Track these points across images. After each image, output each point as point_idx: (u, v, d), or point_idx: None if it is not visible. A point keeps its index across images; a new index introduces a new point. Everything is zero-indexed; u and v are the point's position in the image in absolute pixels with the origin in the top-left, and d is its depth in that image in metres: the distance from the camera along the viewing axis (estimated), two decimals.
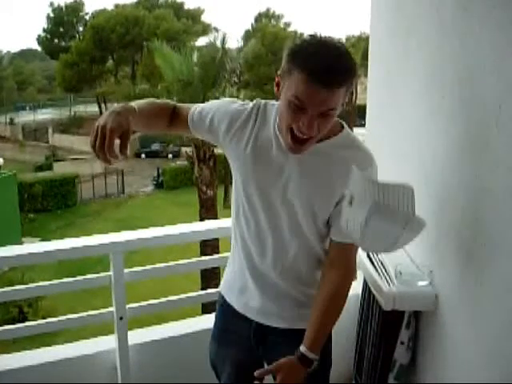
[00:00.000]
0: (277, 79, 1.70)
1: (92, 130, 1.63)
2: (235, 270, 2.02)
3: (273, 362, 1.82)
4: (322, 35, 1.64)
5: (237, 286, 2.01)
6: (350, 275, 1.87)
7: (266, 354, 2.00)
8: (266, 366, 1.94)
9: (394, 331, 2.40)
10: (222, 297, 2.10)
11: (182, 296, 2.91)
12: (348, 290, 1.86)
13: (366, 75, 3.30)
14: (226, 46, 15.49)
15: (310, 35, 1.65)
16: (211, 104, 1.94)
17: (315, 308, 1.82)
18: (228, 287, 2.07)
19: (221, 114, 1.87)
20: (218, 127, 1.86)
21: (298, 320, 1.93)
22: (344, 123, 1.82)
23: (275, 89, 1.72)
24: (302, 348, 1.77)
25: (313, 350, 1.76)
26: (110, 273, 2.59)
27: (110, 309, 2.64)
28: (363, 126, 3.32)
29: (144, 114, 1.79)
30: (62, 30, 47.92)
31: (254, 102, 1.88)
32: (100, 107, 45.20)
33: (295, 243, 1.86)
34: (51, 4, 47.48)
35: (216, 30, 37.75)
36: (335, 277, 1.82)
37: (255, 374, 1.75)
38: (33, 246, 2.77)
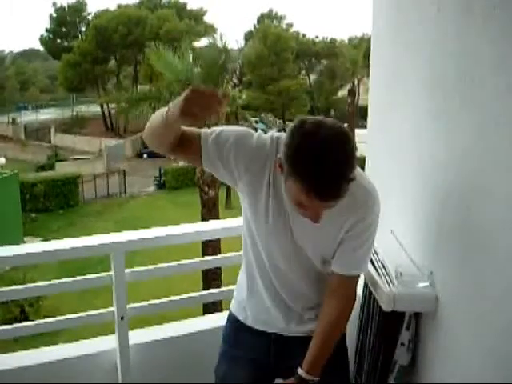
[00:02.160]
0: (278, 162, 1.66)
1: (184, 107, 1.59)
2: (250, 290, 2.05)
3: (291, 370, 1.90)
4: (322, 131, 1.55)
5: (255, 307, 2.05)
6: (350, 305, 1.94)
7: (288, 363, 2.01)
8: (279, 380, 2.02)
9: (394, 332, 2.39)
10: (234, 315, 2.13)
11: (183, 296, 2.91)
12: (347, 319, 1.94)
13: (368, 76, 3.30)
14: (228, 46, 15.49)
15: (304, 130, 1.57)
16: (226, 132, 1.84)
17: (316, 335, 1.89)
18: (240, 306, 2.10)
19: (240, 148, 1.80)
20: (236, 161, 1.81)
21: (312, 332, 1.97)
22: None
23: (278, 169, 1.67)
24: (300, 371, 1.85)
25: (310, 372, 1.84)
26: (111, 273, 2.59)
27: (111, 308, 2.64)
28: (365, 127, 3.32)
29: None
30: (64, 30, 47.92)
31: (269, 138, 1.83)
32: (102, 108, 45.22)
33: (306, 273, 1.94)
34: (54, 4, 47.45)
35: (215, 30, 37.76)
36: (335, 306, 1.88)
37: None
38: (34, 246, 2.77)
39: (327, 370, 1.88)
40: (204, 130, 1.85)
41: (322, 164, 1.51)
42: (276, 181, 1.80)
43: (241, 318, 2.09)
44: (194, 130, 1.86)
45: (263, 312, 2.03)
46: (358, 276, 1.93)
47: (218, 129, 1.85)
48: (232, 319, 2.15)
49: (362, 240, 1.84)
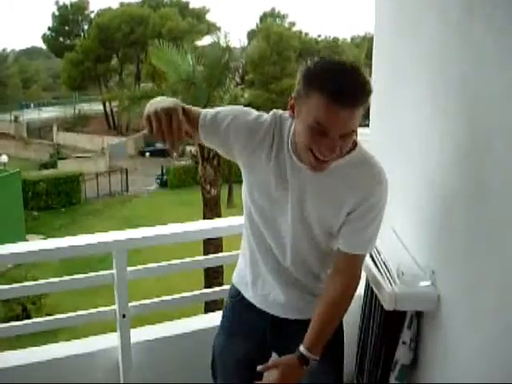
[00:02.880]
0: (291, 102, 1.70)
1: (145, 123, 1.65)
2: (251, 264, 2.04)
3: (288, 352, 1.89)
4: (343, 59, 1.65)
5: (254, 281, 2.05)
6: (355, 284, 1.90)
7: (280, 344, 2.04)
8: (275, 356, 2.03)
9: (395, 331, 2.40)
10: (236, 289, 2.13)
11: (185, 294, 2.91)
12: (351, 298, 1.90)
13: (370, 75, 3.30)
14: (231, 45, 15.49)
15: (321, 57, 1.66)
16: (226, 110, 1.87)
17: (317, 311, 1.86)
18: (243, 281, 2.10)
19: (238, 125, 1.82)
20: (234, 137, 1.82)
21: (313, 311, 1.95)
22: (358, 140, 1.82)
23: (289, 111, 1.72)
24: (302, 348, 1.81)
25: (311, 350, 1.80)
26: (113, 271, 2.60)
27: (113, 307, 2.65)
28: (367, 125, 3.32)
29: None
30: (67, 28, 47.96)
31: (272, 114, 1.86)
32: (105, 106, 45.25)
33: (309, 245, 1.91)
34: (56, 2, 47.51)
35: (218, 29, 37.75)
36: (339, 284, 1.86)
37: (258, 369, 1.79)
38: (36, 244, 2.78)
39: (321, 359, 1.85)
40: (204, 110, 1.88)
41: (340, 71, 1.58)
42: (279, 154, 1.81)
43: (242, 292, 2.09)
44: (195, 110, 1.88)
45: (264, 287, 2.02)
46: (364, 255, 1.91)
47: (217, 108, 1.89)
48: (233, 293, 2.14)
49: (367, 220, 1.82)
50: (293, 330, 2.00)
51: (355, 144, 1.80)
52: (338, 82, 1.55)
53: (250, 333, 2.08)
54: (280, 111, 1.86)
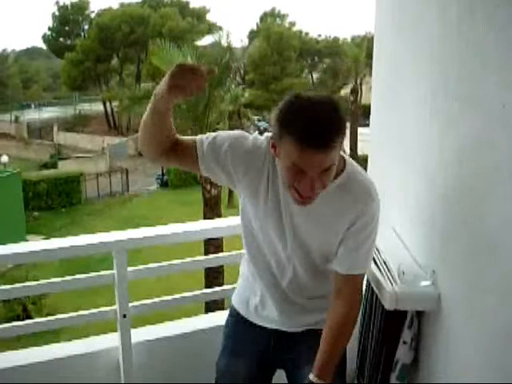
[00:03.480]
0: (271, 142, 1.70)
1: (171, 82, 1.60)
2: (251, 286, 2.07)
3: (296, 363, 1.98)
4: (308, 94, 1.63)
5: (254, 302, 2.07)
6: (356, 305, 1.92)
7: (287, 357, 2.05)
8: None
9: (396, 331, 2.39)
10: (235, 309, 2.15)
11: (186, 294, 2.91)
12: (355, 320, 1.92)
13: (370, 75, 3.29)
14: (232, 45, 15.50)
15: (295, 95, 1.63)
16: (222, 136, 1.84)
17: (324, 338, 1.87)
18: (243, 301, 2.12)
19: (236, 151, 1.82)
20: (234, 164, 1.82)
21: (319, 323, 1.98)
22: (346, 157, 1.83)
23: (272, 150, 1.71)
24: (312, 377, 1.82)
25: (321, 376, 1.81)
26: (114, 271, 2.60)
27: (113, 307, 2.65)
28: (368, 125, 3.32)
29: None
30: (67, 28, 47.94)
31: (265, 138, 1.84)
32: (105, 106, 45.25)
33: (307, 269, 1.94)
34: (57, 3, 47.48)
35: (220, 28, 37.74)
36: (342, 307, 1.87)
37: None
38: (37, 244, 2.77)
39: None
40: (199, 136, 1.86)
41: (310, 112, 1.55)
42: (275, 180, 1.82)
43: (242, 313, 2.11)
44: (189, 138, 1.86)
45: (265, 309, 2.04)
46: (363, 275, 1.93)
47: (212, 134, 1.86)
48: (233, 313, 2.16)
49: (362, 237, 1.83)
50: (297, 341, 2.02)
51: (344, 165, 1.81)
52: (309, 126, 1.54)
53: (254, 351, 2.09)
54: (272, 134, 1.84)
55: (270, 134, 1.81)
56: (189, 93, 1.63)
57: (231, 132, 1.88)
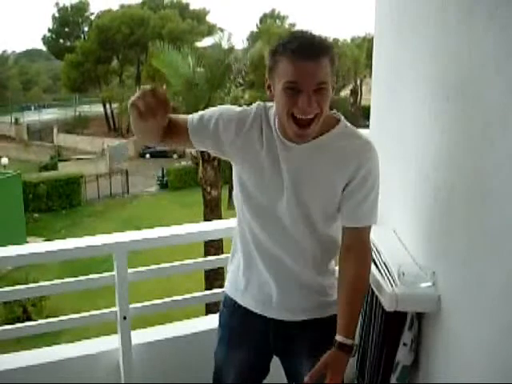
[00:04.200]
0: (267, 83, 1.79)
1: (130, 111, 1.73)
2: (245, 266, 2.04)
3: (292, 353, 1.98)
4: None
5: (249, 284, 2.04)
6: (368, 257, 1.94)
7: (284, 346, 2.04)
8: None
9: (396, 332, 2.39)
10: (230, 298, 2.12)
11: (186, 296, 2.91)
12: (369, 272, 1.94)
13: (370, 76, 3.30)
14: (231, 46, 15.49)
15: (290, 33, 1.79)
16: (211, 110, 1.94)
17: (341, 296, 1.88)
18: (237, 288, 2.09)
19: (225, 118, 1.89)
20: (224, 131, 1.88)
21: (317, 309, 2.00)
22: (341, 115, 1.91)
23: (267, 92, 1.80)
24: (339, 337, 1.82)
25: (348, 336, 1.82)
26: (114, 273, 2.60)
27: (114, 309, 2.65)
28: (367, 126, 3.32)
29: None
30: (67, 30, 48.03)
31: (256, 104, 1.93)
32: (105, 107, 45.27)
33: (307, 231, 1.92)
34: (57, 4, 47.62)
35: (221, 30, 37.71)
36: (354, 261, 1.89)
37: (306, 380, 1.76)
38: (37, 246, 2.78)
39: (316, 353, 1.85)
40: (190, 116, 1.94)
41: (299, 34, 1.73)
42: (269, 141, 1.87)
43: (238, 300, 2.08)
44: (181, 117, 1.94)
45: (263, 289, 2.01)
46: (369, 228, 1.94)
47: (201, 112, 1.95)
48: (228, 303, 2.13)
49: (365, 190, 1.87)
50: (295, 331, 2.01)
51: (338, 119, 1.89)
52: (298, 41, 1.69)
53: (252, 340, 2.08)
54: (264, 103, 1.93)
55: (259, 102, 1.93)
56: (158, 118, 1.69)
57: (218, 106, 1.97)
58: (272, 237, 1.94)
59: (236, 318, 2.11)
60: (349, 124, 1.91)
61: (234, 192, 2.00)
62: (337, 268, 1.97)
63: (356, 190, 1.86)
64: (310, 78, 1.67)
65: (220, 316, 2.19)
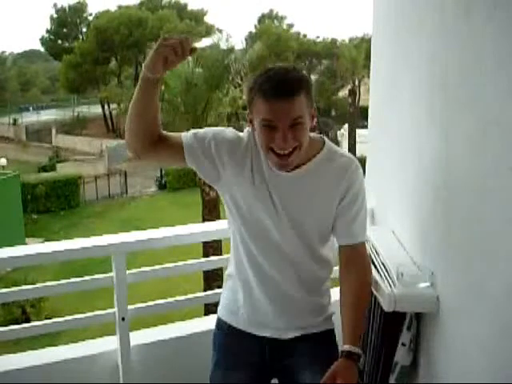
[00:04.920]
0: (248, 118, 1.85)
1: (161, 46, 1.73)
2: (242, 289, 2.06)
3: (292, 367, 1.99)
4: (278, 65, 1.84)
5: (247, 308, 2.06)
6: (368, 267, 2.00)
7: (282, 363, 2.04)
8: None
9: (395, 333, 2.39)
10: (225, 322, 2.13)
11: (185, 297, 2.91)
12: (370, 281, 2.01)
13: (369, 76, 3.30)
14: (230, 46, 15.50)
15: (263, 69, 1.83)
16: (203, 130, 1.97)
17: (345, 306, 1.92)
18: (232, 310, 2.11)
19: (220, 139, 1.92)
20: (218, 152, 1.91)
21: (312, 325, 2.03)
22: (325, 138, 1.97)
23: (249, 125, 1.87)
24: (346, 347, 1.83)
25: (355, 344, 1.84)
26: (113, 274, 2.60)
27: (112, 310, 2.65)
28: (366, 127, 3.32)
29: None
30: (65, 30, 47.92)
31: (246, 131, 1.96)
32: (103, 108, 45.22)
33: (304, 253, 1.97)
34: (55, 5, 47.49)
35: (219, 31, 37.69)
36: (354, 274, 1.94)
37: None
38: (36, 247, 2.78)
39: (317, 365, 1.88)
40: (184, 133, 1.96)
41: (273, 73, 1.77)
42: (259, 167, 1.91)
43: (232, 323, 2.09)
44: (174, 133, 1.96)
45: (258, 310, 2.03)
46: (364, 243, 1.99)
47: (196, 130, 1.98)
48: (222, 326, 2.14)
49: (357, 207, 1.93)
50: (291, 347, 2.02)
51: (323, 143, 1.94)
52: (271, 80, 1.74)
53: (248, 362, 2.07)
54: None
55: (249, 128, 1.94)
56: (174, 63, 1.76)
57: (211, 127, 2.02)
58: (270, 260, 1.97)
59: (231, 339, 2.12)
60: (332, 145, 1.98)
61: (229, 218, 2.04)
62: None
63: (348, 208, 1.92)
64: (284, 116, 1.73)
65: (214, 339, 2.18)
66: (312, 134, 1.92)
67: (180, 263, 2.84)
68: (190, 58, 14.36)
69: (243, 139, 1.94)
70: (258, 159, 1.91)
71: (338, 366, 1.80)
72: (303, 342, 2.01)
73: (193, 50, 1.75)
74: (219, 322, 2.16)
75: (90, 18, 47.63)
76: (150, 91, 1.84)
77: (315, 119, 1.84)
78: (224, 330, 2.13)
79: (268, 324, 2.02)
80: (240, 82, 15.51)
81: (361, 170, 1.95)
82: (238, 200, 1.95)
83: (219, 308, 2.18)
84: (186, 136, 1.93)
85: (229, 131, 1.96)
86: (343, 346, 1.84)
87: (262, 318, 2.02)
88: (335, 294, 2.06)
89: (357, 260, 1.95)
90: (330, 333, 2.07)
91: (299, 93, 1.73)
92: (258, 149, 1.90)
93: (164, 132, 1.93)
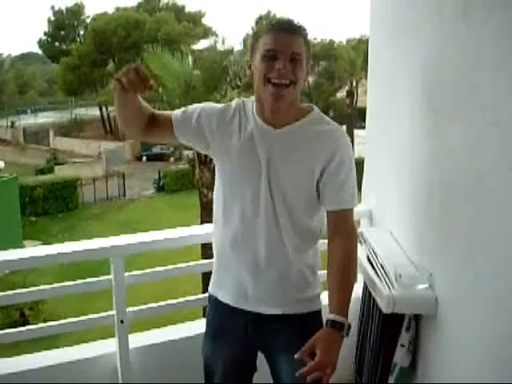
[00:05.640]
0: (248, 71, 1.99)
1: (115, 84, 1.86)
2: (225, 266, 2.11)
3: (274, 348, 2.02)
4: None
5: (229, 281, 2.09)
6: (354, 238, 2.00)
7: (266, 341, 2.07)
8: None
9: (394, 334, 2.40)
10: (215, 298, 2.16)
11: (183, 299, 2.91)
12: (356, 252, 1.99)
13: (366, 77, 3.30)
14: (229, 48, 15.52)
15: None
16: (193, 106, 2.08)
17: (331, 277, 1.92)
18: (219, 285, 2.15)
19: (207, 112, 2.03)
20: (205, 124, 2.01)
21: (295, 303, 2.03)
22: (314, 106, 2.03)
23: (247, 72, 2.00)
24: (330, 316, 1.83)
25: (339, 313, 1.83)
26: (111, 276, 2.60)
27: (111, 312, 2.65)
28: (364, 128, 3.32)
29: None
30: (62, 33, 47.84)
31: (235, 100, 2.08)
32: (101, 110, 45.20)
33: (285, 219, 1.97)
34: (52, 7, 47.42)
35: (216, 35, 37.68)
36: (341, 244, 1.94)
37: (296, 357, 1.76)
38: (34, 250, 2.77)
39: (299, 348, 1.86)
40: (174, 111, 2.09)
41: (279, 18, 1.99)
42: (247, 128, 1.98)
43: (219, 297, 2.13)
44: (165, 112, 2.10)
45: (238, 282, 2.05)
46: (351, 210, 2.00)
47: (186, 107, 2.10)
48: (211, 300, 2.19)
49: (343, 173, 1.95)
50: (275, 326, 2.03)
51: (312, 109, 2.02)
52: (277, 21, 1.95)
53: (233, 335, 2.10)
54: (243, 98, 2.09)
55: (239, 99, 2.08)
56: (139, 91, 1.88)
57: (199, 104, 2.11)
58: (250, 226, 1.98)
59: (218, 313, 2.16)
60: (321, 112, 2.04)
61: (215, 191, 2.14)
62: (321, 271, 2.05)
63: (335, 173, 1.94)
64: (286, 47, 1.85)
65: (206, 313, 2.24)
66: (303, 104, 2.03)
67: (179, 265, 2.84)
68: (190, 59, 14.40)
69: (231, 105, 2.05)
70: (245, 119, 2.00)
71: (319, 335, 1.80)
72: (285, 323, 2.01)
73: (145, 76, 1.83)
74: (209, 297, 2.21)
75: (88, 20, 47.60)
76: (125, 99, 1.95)
77: (308, 77, 1.96)
78: (212, 304, 2.18)
79: (248, 298, 2.03)
80: (238, 83, 15.51)
81: (347, 139, 1.99)
82: (226, 163, 2.02)
83: (210, 284, 2.22)
84: (176, 115, 2.05)
85: (215, 104, 2.08)
86: (328, 316, 1.83)
87: (244, 291, 2.04)
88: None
89: (343, 227, 1.96)
90: (317, 315, 2.05)
91: (301, 34, 1.90)
92: (246, 111, 2.01)
93: (156, 112, 2.07)
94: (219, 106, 2.07)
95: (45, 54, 50.66)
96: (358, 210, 3.08)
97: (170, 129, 2.04)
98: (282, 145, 1.94)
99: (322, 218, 2.03)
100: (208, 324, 2.20)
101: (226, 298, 2.10)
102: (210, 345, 2.17)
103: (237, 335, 2.09)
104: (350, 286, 1.92)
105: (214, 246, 2.19)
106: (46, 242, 18.67)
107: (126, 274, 2.62)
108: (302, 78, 1.90)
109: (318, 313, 2.07)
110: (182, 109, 2.08)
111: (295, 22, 1.94)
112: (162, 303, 2.85)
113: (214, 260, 2.20)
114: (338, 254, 1.93)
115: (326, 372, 1.72)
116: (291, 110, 1.94)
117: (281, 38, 1.87)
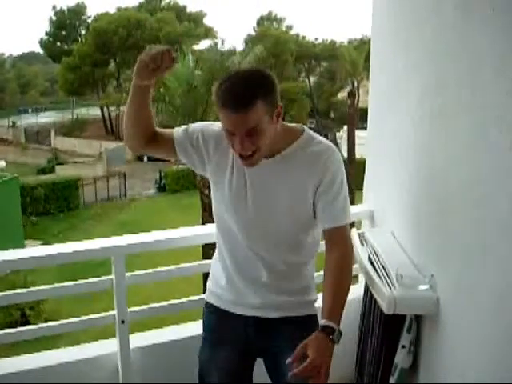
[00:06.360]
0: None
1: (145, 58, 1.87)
2: (223, 275, 2.14)
3: (271, 351, 2.05)
4: (239, 69, 1.98)
5: (227, 290, 2.13)
6: (350, 247, 2.03)
7: (266, 343, 2.10)
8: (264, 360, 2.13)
9: (395, 335, 2.40)
10: (211, 304, 2.21)
11: (184, 299, 2.91)
12: (352, 260, 2.03)
13: (368, 78, 3.30)
14: (229, 48, 15.53)
15: (226, 73, 1.91)
16: (195, 125, 2.11)
17: (326, 286, 1.94)
18: (216, 294, 2.18)
19: (206, 134, 2.06)
20: (203, 147, 2.05)
21: (293, 308, 2.08)
22: (305, 127, 2.04)
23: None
24: (322, 321, 1.85)
25: (331, 319, 1.84)
26: (112, 276, 2.59)
27: (112, 312, 2.64)
28: (365, 128, 3.32)
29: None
30: (64, 33, 47.91)
31: None
32: (102, 110, 45.23)
33: (284, 244, 2.05)
34: (54, 7, 47.49)
35: (215, 36, 37.74)
36: (337, 252, 1.98)
37: (288, 361, 1.76)
38: (35, 250, 2.77)
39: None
40: (176, 128, 2.11)
41: (230, 82, 1.84)
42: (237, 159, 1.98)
43: (216, 304, 2.17)
44: (167, 129, 2.12)
45: (239, 293, 2.10)
46: (347, 225, 2.02)
47: (187, 125, 2.12)
48: (208, 307, 2.22)
49: (335, 190, 1.97)
50: (273, 328, 2.08)
51: (302, 131, 2.02)
52: (228, 93, 1.82)
53: (233, 340, 2.13)
54: None
55: None
56: (159, 73, 1.91)
57: (201, 122, 2.15)
58: (248, 249, 2.05)
59: (217, 318, 2.19)
60: (312, 133, 2.03)
61: (213, 204, 2.18)
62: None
63: (325, 193, 1.97)
64: (240, 127, 1.82)
65: (203, 318, 2.26)
66: (293, 124, 2.04)
67: (178, 266, 2.84)
68: (191, 59, 14.41)
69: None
70: None
71: (310, 338, 1.81)
72: (284, 326, 2.06)
73: (174, 60, 1.88)
74: (206, 304, 2.24)
75: (89, 20, 47.66)
76: (141, 97, 2.00)
77: (280, 116, 1.91)
78: (209, 310, 2.21)
79: (248, 304, 2.09)
80: None
81: (338, 156, 2.00)
82: (220, 188, 2.06)
83: (206, 292, 2.25)
84: (177, 132, 2.07)
85: (217, 125, 2.04)
86: (320, 320, 1.86)
87: (244, 300, 2.09)
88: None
89: (338, 242, 1.99)
90: (315, 317, 2.09)
91: (254, 103, 1.79)
92: None
93: (158, 129, 2.10)
94: (216, 129, 2.05)
95: (46, 53, 50.77)
96: (359, 210, 3.09)
97: (172, 146, 2.07)
98: (273, 173, 1.98)
99: (319, 233, 2.09)
100: (206, 329, 2.24)
101: (225, 305, 2.15)
102: (209, 350, 2.19)
103: (237, 339, 2.12)
104: (344, 292, 1.94)
105: (214, 255, 2.26)
106: (46, 242, 18.68)
107: (127, 274, 2.62)
108: (264, 142, 1.87)
109: (315, 316, 2.10)
110: (184, 127, 2.11)
111: (248, 86, 1.84)
112: (164, 303, 2.84)
113: (212, 268, 2.25)
114: (335, 261, 1.97)
115: (320, 372, 1.72)
116: (277, 141, 1.94)
117: (233, 118, 1.82)
